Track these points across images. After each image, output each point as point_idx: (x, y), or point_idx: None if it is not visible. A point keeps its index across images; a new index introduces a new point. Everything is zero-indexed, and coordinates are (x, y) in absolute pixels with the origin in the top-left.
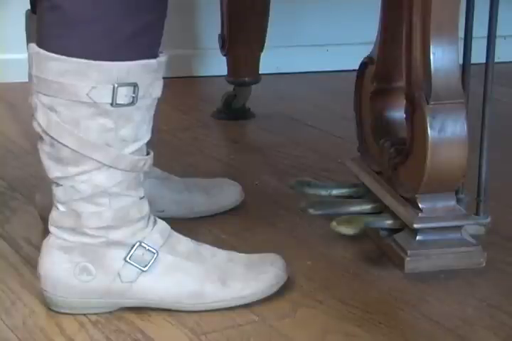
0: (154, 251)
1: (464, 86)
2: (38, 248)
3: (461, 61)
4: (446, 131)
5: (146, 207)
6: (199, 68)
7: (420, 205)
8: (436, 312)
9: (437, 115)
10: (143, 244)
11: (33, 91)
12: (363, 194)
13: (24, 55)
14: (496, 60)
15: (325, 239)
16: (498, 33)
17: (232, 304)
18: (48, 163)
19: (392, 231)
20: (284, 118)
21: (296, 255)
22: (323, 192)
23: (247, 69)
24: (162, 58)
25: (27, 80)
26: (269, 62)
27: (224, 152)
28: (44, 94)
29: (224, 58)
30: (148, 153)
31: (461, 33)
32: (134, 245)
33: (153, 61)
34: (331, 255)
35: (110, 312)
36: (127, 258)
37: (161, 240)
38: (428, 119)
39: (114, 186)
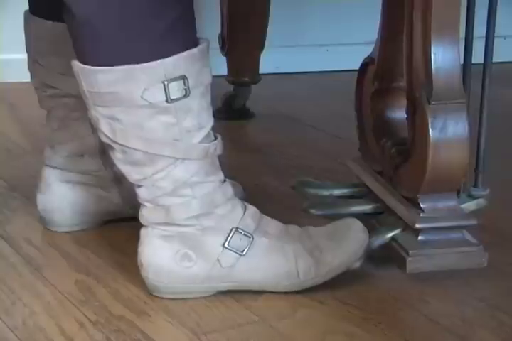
0: (250, 235)
1: (465, 86)
2: (38, 248)
3: (462, 61)
4: (448, 131)
5: (229, 190)
6: None
7: (422, 205)
8: (436, 312)
9: (438, 115)
10: (239, 230)
11: (89, 105)
12: (365, 194)
13: (24, 55)
14: (496, 60)
15: None
16: (498, 33)
17: (326, 278)
18: (124, 169)
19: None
20: (284, 118)
21: None
22: (325, 193)
23: (247, 69)
24: (203, 45)
25: (27, 80)
26: (269, 62)
27: (224, 152)
28: (101, 106)
29: (224, 58)
30: (216, 138)
31: (462, 33)
32: (230, 231)
33: (194, 50)
34: None
35: (111, 312)
36: (226, 244)
37: (254, 224)
38: (429, 119)
39: (192, 176)
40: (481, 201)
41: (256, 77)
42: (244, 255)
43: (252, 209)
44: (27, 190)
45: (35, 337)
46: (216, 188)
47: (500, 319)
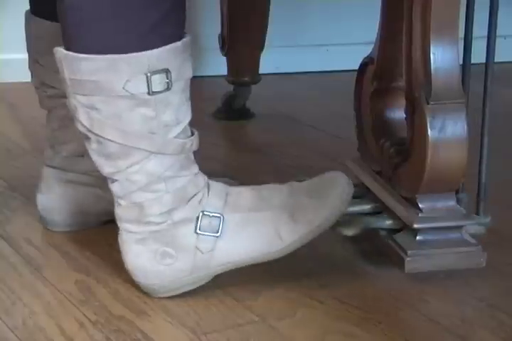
0: (218, 215)
1: (464, 86)
2: (38, 248)
3: (461, 61)
4: (446, 131)
5: (201, 180)
6: (199, 68)
7: (420, 205)
8: (436, 312)
9: (437, 115)
10: (205, 213)
11: (68, 93)
12: (363, 194)
13: (24, 55)
14: (496, 60)
15: (325, 239)
16: (498, 33)
17: (310, 237)
18: (98, 161)
19: (392, 231)
20: (284, 118)
21: (296, 255)
22: None
23: (247, 69)
24: (186, 39)
25: (27, 80)
26: (269, 62)
27: (224, 152)
28: (81, 95)
29: (224, 58)
30: (192, 133)
31: (462, 33)
32: (198, 217)
33: (178, 43)
34: (331, 255)
35: (111, 312)
36: (197, 231)
37: (220, 202)
38: (428, 119)
39: (166, 171)
40: (480, 229)
41: (256, 77)
42: (220, 236)
43: (216, 187)
44: (27, 190)
45: (35, 337)
46: (189, 182)
47: (500, 319)
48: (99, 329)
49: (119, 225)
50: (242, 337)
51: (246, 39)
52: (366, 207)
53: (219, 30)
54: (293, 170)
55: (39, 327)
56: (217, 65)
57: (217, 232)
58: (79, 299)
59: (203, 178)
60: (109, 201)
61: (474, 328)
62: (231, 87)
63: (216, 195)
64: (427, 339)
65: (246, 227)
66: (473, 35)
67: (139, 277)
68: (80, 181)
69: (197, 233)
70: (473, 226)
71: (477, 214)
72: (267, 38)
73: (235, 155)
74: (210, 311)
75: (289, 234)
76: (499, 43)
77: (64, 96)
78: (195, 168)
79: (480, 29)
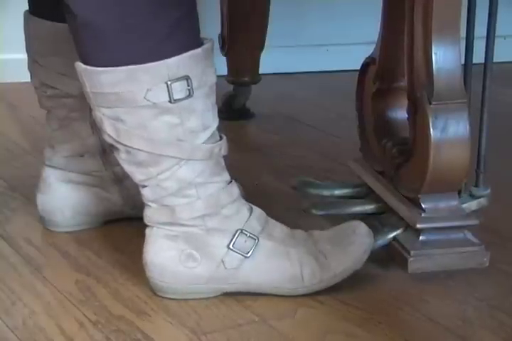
0: (255, 237)
1: (466, 86)
2: (38, 248)
3: (463, 61)
4: (449, 131)
5: (235, 191)
6: None
7: (423, 205)
8: (436, 312)
9: (439, 115)
10: (244, 232)
11: (92, 106)
12: (366, 194)
13: (24, 55)
14: (496, 60)
15: None
16: (498, 33)
17: (331, 283)
18: (129, 169)
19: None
20: (284, 118)
21: None
22: (326, 193)
23: (247, 69)
24: (207, 45)
25: (27, 80)
26: (269, 62)
27: None
28: (105, 107)
29: (224, 58)
30: (221, 138)
31: (463, 33)
32: (235, 233)
33: (198, 50)
34: None
35: (111, 312)
36: (230, 246)
37: (259, 226)
38: (430, 119)
39: (197, 177)
40: (482, 200)
41: (256, 77)
42: (248, 257)
43: (258, 211)
44: (27, 190)
45: (35, 337)
46: (221, 189)
47: (501, 319)
48: (99, 329)
49: (148, 224)
50: (242, 337)
51: (246, 39)
52: (369, 207)
53: (219, 30)
54: (293, 170)
55: (39, 327)
56: (217, 65)
57: (248, 253)
58: (79, 299)
59: (237, 190)
60: (110, 201)
61: (474, 328)
62: (231, 87)
63: (257, 219)
64: (427, 339)
65: (275, 257)
66: (475, 35)
67: (154, 273)
68: (80, 181)
69: (229, 248)
70: (474, 201)
71: (476, 186)
72: (267, 38)
73: (235, 155)
74: (210, 311)
75: (310, 276)
76: (499, 43)
77: (64, 96)
78: (227, 176)
79: (481, 29)
